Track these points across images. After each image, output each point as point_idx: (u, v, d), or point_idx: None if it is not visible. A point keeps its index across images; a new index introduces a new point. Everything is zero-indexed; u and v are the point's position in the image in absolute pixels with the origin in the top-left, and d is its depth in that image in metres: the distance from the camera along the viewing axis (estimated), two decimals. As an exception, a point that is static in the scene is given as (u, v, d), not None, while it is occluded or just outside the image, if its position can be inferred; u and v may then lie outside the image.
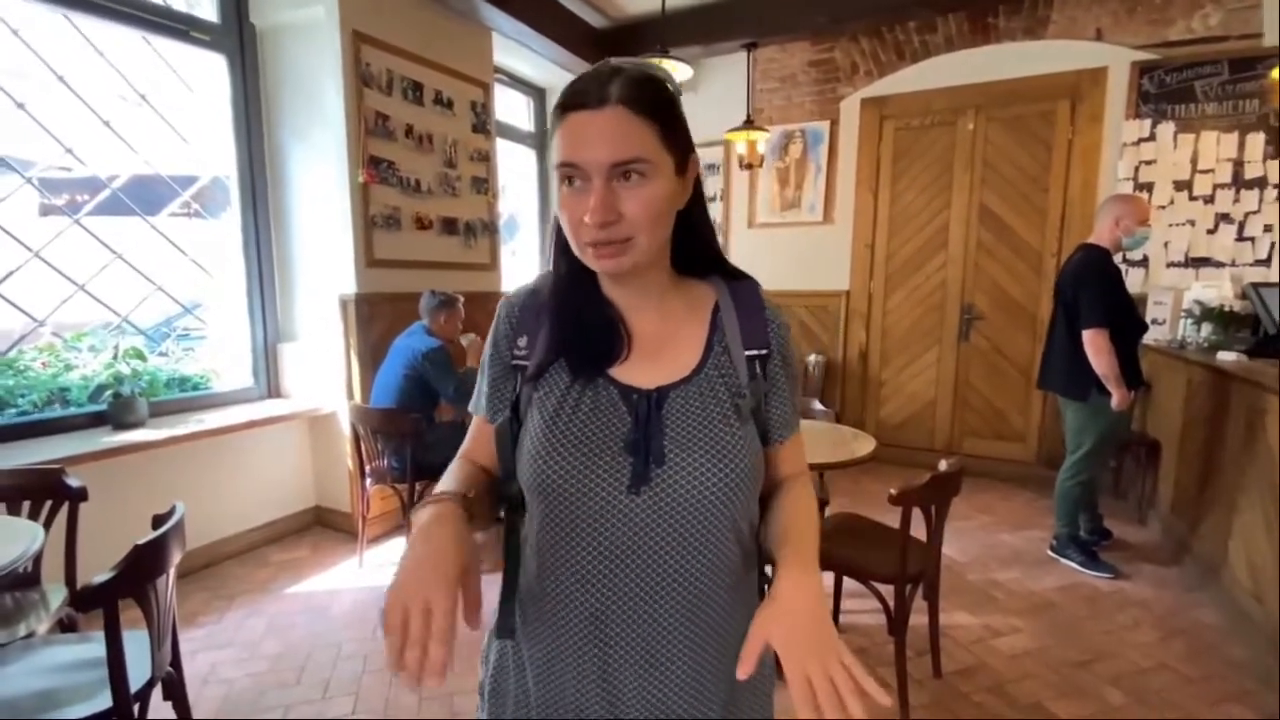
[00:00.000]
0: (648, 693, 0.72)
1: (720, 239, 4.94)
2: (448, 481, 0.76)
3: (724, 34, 4.16)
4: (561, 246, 0.75)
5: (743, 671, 0.58)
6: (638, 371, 0.74)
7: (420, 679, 0.55)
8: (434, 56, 3.45)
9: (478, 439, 0.82)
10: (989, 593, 2.72)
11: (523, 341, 0.77)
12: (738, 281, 0.81)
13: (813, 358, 4.65)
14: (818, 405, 2.78)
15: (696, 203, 0.76)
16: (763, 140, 4.31)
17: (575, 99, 0.66)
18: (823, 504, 2.58)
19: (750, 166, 4.37)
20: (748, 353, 0.76)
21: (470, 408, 0.84)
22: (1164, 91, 3.59)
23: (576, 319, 0.75)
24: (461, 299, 3.10)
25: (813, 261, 4.72)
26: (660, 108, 0.67)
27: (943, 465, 1.93)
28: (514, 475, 0.75)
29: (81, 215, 2.71)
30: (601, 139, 0.64)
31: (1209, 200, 3.56)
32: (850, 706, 0.55)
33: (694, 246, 0.78)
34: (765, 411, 0.78)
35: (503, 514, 0.80)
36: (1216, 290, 3.23)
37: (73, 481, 1.79)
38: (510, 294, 0.82)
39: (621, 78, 0.66)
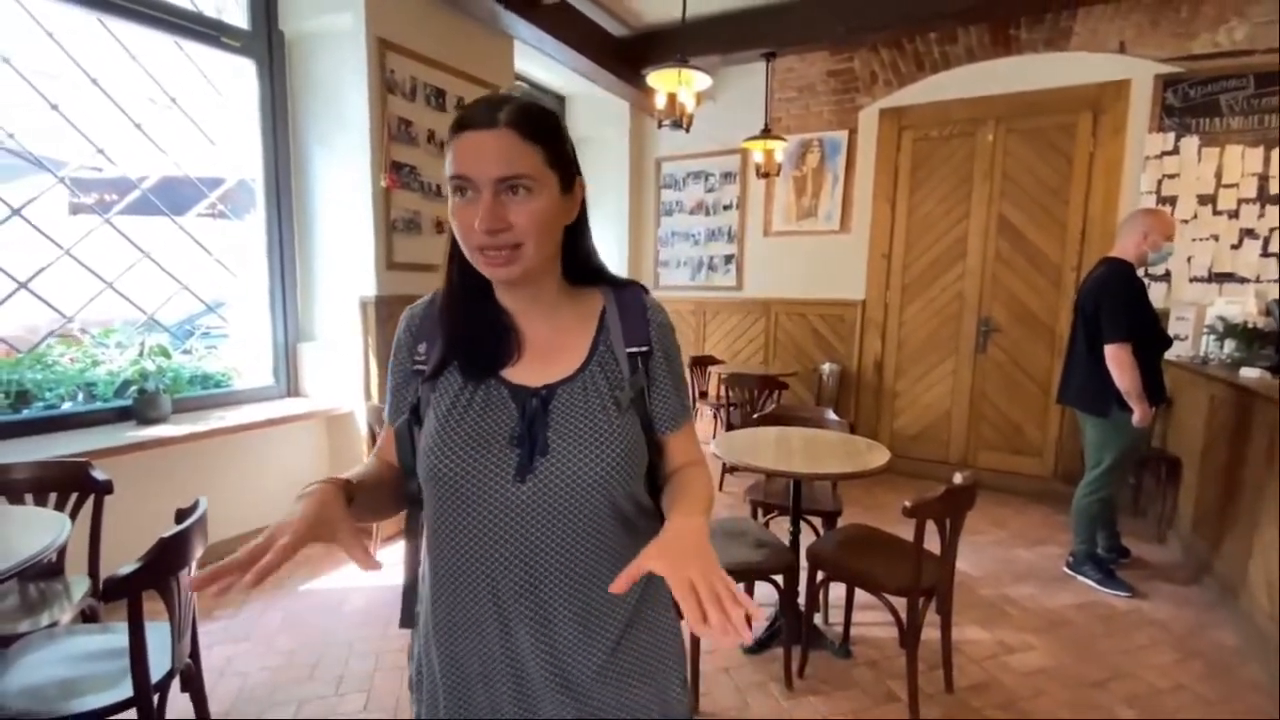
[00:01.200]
0: (542, 656, 0.77)
1: (736, 247, 4.94)
2: (349, 473, 0.81)
3: (743, 44, 4.18)
4: (455, 256, 0.79)
5: (615, 586, 0.62)
6: (529, 372, 0.80)
7: (207, 578, 0.60)
8: (456, 63, 3.50)
9: (385, 441, 0.88)
10: (1003, 608, 2.69)
11: (422, 348, 0.83)
12: (622, 288, 0.87)
13: (827, 367, 4.64)
14: (832, 415, 2.77)
15: (582, 220, 0.82)
16: (780, 149, 4.31)
17: (468, 120, 0.72)
18: (835, 514, 2.57)
19: (767, 175, 4.38)
20: (629, 349, 0.82)
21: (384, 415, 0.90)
22: (1188, 105, 3.55)
23: (468, 324, 0.81)
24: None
25: (828, 270, 4.71)
26: (545, 133, 0.73)
27: (958, 478, 1.92)
28: (413, 473, 0.81)
29: (111, 214, 2.77)
30: (490, 156, 0.70)
31: (1233, 215, 3.51)
32: (730, 610, 0.58)
33: (581, 259, 0.85)
34: (650, 405, 0.84)
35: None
36: (1240, 306, 3.19)
37: (98, 474, 1.83)
38: (411, 306, 0.88)
39: (511, 105, 0.72)
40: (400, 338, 0.86)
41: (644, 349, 0.83)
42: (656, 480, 0.87)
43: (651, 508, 0.85)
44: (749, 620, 0.57)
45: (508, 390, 0.79)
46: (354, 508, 0.75)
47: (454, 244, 0.79)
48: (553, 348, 0.81)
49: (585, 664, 0.78)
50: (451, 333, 0.81)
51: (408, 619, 0.87)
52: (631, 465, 0.78)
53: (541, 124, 0.73)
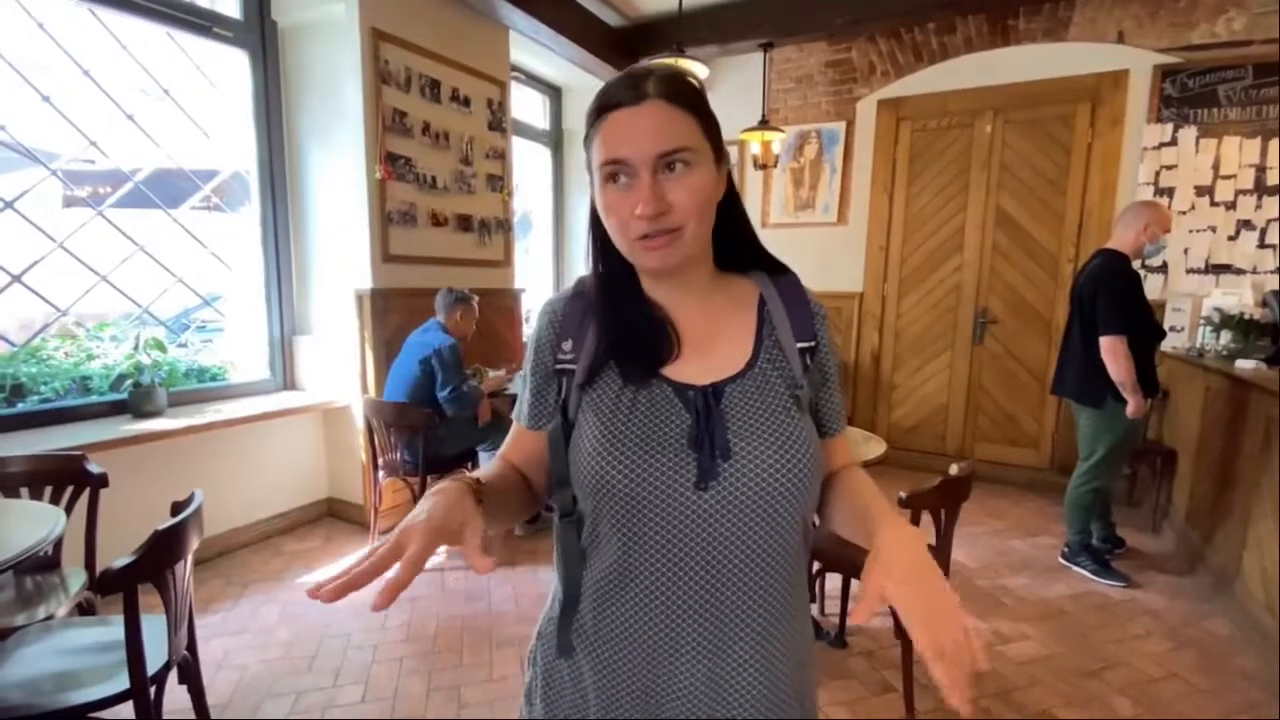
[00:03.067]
0: (719, 690, 0.71)
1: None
2: (479, 473, 0.75)
3: (741, 34, 4.15)
4: (601, 249, 0.75)
5: (859, 616, 0.57)
6: (690, 369, 0.73)
7: (339, 590, 0.55)
8: (452, 54, 3.47)
9: (516, 444, 0.81)
10: (998, 599, 2.70)
11: (567, 345, 0.76)
12: (780, 275, 0.80)
13: (824, 359, 4.63)
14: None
15: (732, 198, 0.76)
16: (778, 140, 4.29)
17: (612, 99, 0.67)
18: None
19: (765, 167, 4.36)
20: (798, 345, 0.75)
21: (513, 415, 0.84)
22: (1186, 96, 3.54)
23: (623, 321, 0.74)
24: (476, 297, 3.13)
25: (826, 263, 4.70)
26: (696, 100, 0.69)
27: (954, 469, 1.92)
28: (566, 481, 0.74)
29: (104, 207, 2.76)
30: (645, 132, 0.65)
31: (1230, 206, 3.51)
32: (962, 685, 0.52)
33: (732, 241, 0.79)
34: (818, 405, 0.78)
35: (556, 524, 0.78)
36: (1236, 297, 3.19)
37: (94, 468, 1.83)
38: (551, 299, 0.81)
39: (655, 75, 0.67)
40: (542, 334, 0.78)
41: (812, 344, 0.76)
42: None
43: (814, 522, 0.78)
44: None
45: (671, 389, 0.71)
46: (486, 506, 0.68)
47: (595, 237, 0.75)
48: (711, 341, 0.74)
49: (755, 698, 0.71)
50: (605, 334, 0.74)
51: (566, 648, 0.76)
52: (819, 473, 0.72)
53: (689, 91, 0.68)
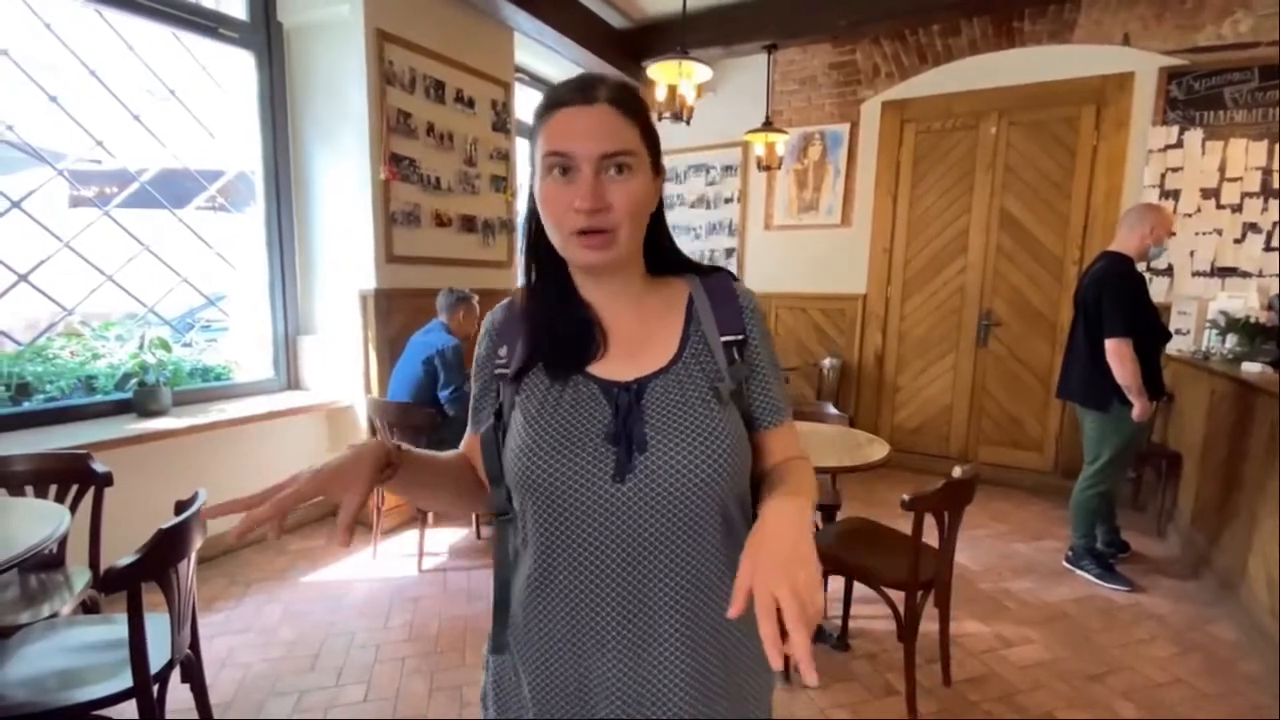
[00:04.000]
0: (645, 686, 0.72)
1: (736, 240, 4.91)
2: (421, 450, 0.80)
3: (745, 36, 4.15)
4: (534, 248, 0.77)
5: (733, 610, 0.56)
6: (617, 367, 0.76)
7: (215, 511, 0.64)
8: (456, 55, 3.48)
9: (467, 445, 0.85)
10: (1001, 602, 2.69)
11: (503, 352, 0.80)
12: (709, 275, 0.83)
13: (828, 361, 4.63)
14: (832, 409, 2.77)
15: (661, 207, 0.80)
16: (781, 142, 4.29)
17: (562, 98, 0.70)
18: (834, 508, 2.57)
19: (768, 168, 4.36)
20: (723, 339, 0.78)
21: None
22: (1192, 98, 3.53)
23: (551, 321, 0.77)
24: (477, 297, 3.13)
25: (829, 264, 4.70)
26: (641, 111, 0.72)
27: (957, 472, 1.92)
28: (501, 481, 0.77)
29: (110, 207, 2.77)
30: (592, 132, 0.68)
31: (1236, 209, 3.49)
32: (794, 637, 0.52)
33: (663, 248, 0.82)
34: (748, 397, 0.79)
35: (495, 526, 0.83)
36: (1242, 301, 3.18)
37: (98, 466, 1.84)
38: (490, 313, 0.85)
39: (607, 83, 0.71)
40: (482, 343, 0.83)
41: (739, 337, 0.78)
42: (756, 482, 0.79)
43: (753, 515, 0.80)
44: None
45: (597, 386, 0.74)
46: (400, 480, 0.74)
47: (531, 239, 0.77)
48: (640, 340, 0.77)
49: (683, 683, 0.72)
50: (534, 331, 0.77)
51: (500, 645, 0.80)
52: (737, 461, 0.73)
53: (637, 103, 0.72)
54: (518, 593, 0.77)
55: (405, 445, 0.75)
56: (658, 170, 0.75)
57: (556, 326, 0.77)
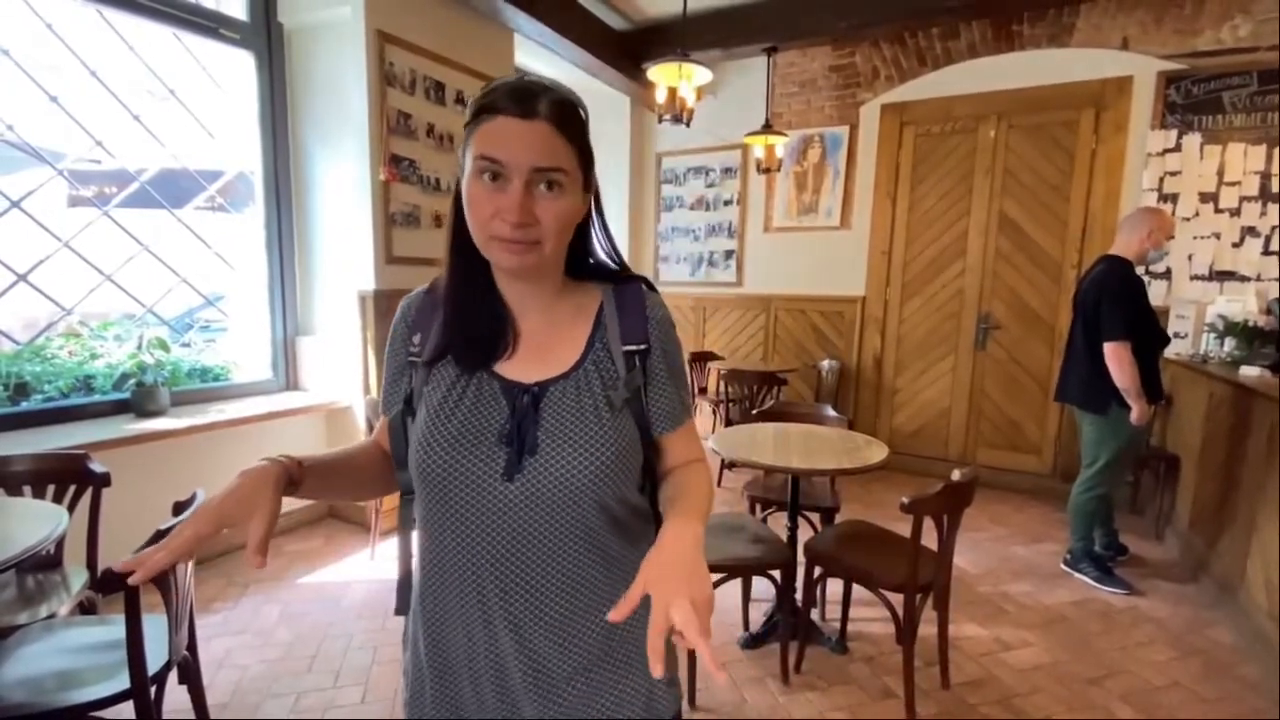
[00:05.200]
0: (521, 656, 0.77)
1: (736, 243, 4.90)
2: (315, 453, 0.81)
3: (745, 38, 4.16)
4: (457, 242, 0.78)
5: (614, 615, 0.60)
6: (522, 368, 0.78)
7: (133, 570, 0.64)
8: (456, 57, 3.48)
9: (380, 429, 0.88)
10: (1000, 605, 2.69)
11: (417, 338, 0.82)
12: (623, 284, 0.84)
13: (826, 363, 4.64)
14: (831, 411, 2.77)
15: (595, 214, 0.81)
16: (781, 144, 4.30)
17: (501, 106, 0.69)
18: (833, 510, 2.57)
19: (768, 170, 4.37)
20: (625, 348, 0.80)
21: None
22: (1191, 102, 3.54)
23: (466, 313, 0.79)
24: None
25: (829, 267, 4.70)
26: (580, 131, 0.73)
27: (956, 475, 1.92)
28: (405, 465, 0.81)
29: (110, 207, 2.77)
30: (528, 145, 0.68)
31: (1235, 213, 3.50)
32: (700, 648, 0.57)
33: (584, 254, 0.83)
34: (646, 404, 0.82)
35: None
36: (1241, 304, 3.18)
37: (96, 467, 1.83)
38: (408, 295, 0.86)
39: (548, 97, 0.70)
40: (396, 327, 0.85)
41: (642, 346, 0.80)
42: (655, 479, 0.85)
43: (646, 508, 0.84)
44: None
45: (499, 385, 0.77)
46: (307, 489, 0.77)
47: (455, 232, 0.77)
48: (547, 344, 0.80)
49: (562, 665, 0.77)
50: (450, 321, 0.79)
51: (403, 606, 0.87)
52: (622, 468, 0.76)
53: (575, 121, 0.72)
54: (417, 567, 0.83)
55: (305, 457, 0.78)
56: (588, 186, 0.77)
57: (471, 321, 0.79)
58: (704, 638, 0.57)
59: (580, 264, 0.83)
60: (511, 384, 0.77)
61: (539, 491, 0.73)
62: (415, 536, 0.85)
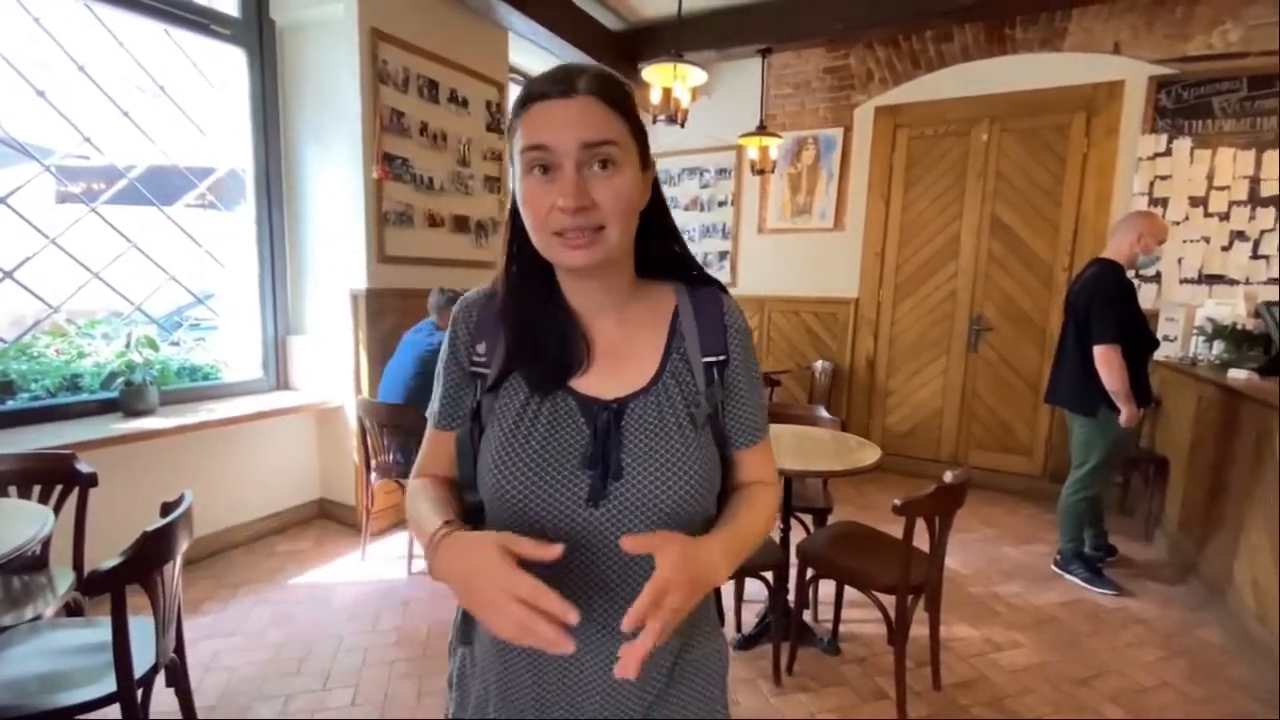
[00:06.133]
0: (605, 686, 0.73)
1: (730, 244, 4.91)
2: (429, 509, 0.72)
3: (739, 39, 4.16)
4: (517, 249, 0.73)
5: (626, 624, 0.58)
6: (598, 381, 0.73)
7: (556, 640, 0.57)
8: (450, 55, 3.47)
9: (436, 450, 0.80)
10: (991, 606, 2.70)
11: (481, 347, 0.75)
12: (699, 287, 0.79)
13: (820, 364, 4.65)
14: (824, 413, 2.77)
15: (658, 205, 0.75)
16: (775, 146, 4.30)
17: (540, 91, 0.65)
18: (826, 512, 2.57)
19: (762, 172, 4.37)
20: (705, 359, 0.75)
21: (427, 413, 0.82)
22: (1181, 107, 3.57)
23: (533, 328, 0.73)
24: (471, 297, 3.12)
25: (822, 268, 4.71)
26: (625, 101, 0.68)
27: (948, 476, 1.92)
28: (474, 485, 0.75)
29: (98, 204, 2.74)
30: (573, 122, 0.64)
31: (1224, 217, 3.53)
32: (645, 638, 0.58)
33: (654, 249, 0.78)
34: (724, 418, 0.77)
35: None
36: (1229, 308, 3.21)
37: (83, 467, 1.81)
38: (466, 296, 0.80)
39: (587, 73, 0.66)
40: (456, 333, 0.77)
41: (721, 358, 0.76)
42: (725, 496, 0.79)
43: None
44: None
45: (576, 403, 0.72)
46: None
47: (512, 239, 0.73)
48: (623, 353, 0.74)
49: (641, 700, 0.74)
50: (515, 339, 0.73)
51: (467, 637, 0.80)
52: (708, 489, 0.73)
53: (620, 91, 0.67)
54: None
55: (448, 517, 0.70)
56: (646, 163, 0.71)
57: (540, 335, 0.73)
58: (653, 636, 0.57)
59: (648, 262, 0.78)
60: (589, 400, 0.72)
61: (625, 518, 0.69)
62: None
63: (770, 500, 0.79)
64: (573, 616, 0.56)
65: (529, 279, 0.74)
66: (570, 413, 0.72)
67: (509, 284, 0.75)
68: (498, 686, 0.77)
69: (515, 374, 0.73)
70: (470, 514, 0.77)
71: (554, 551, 0.60)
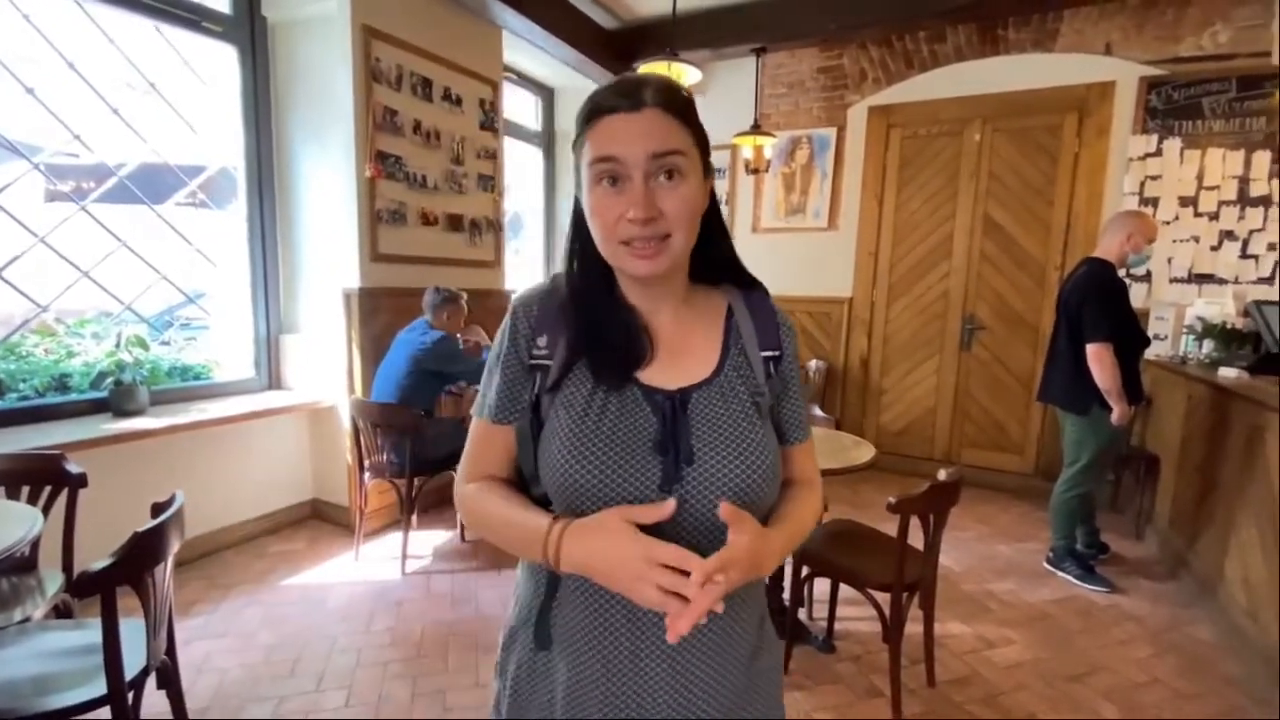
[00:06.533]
0: (676, 691, 0.73)
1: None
2: (521, 509, 0.73)
3: (734, 38, 4.17)
4: (581, 252, 0.76)
5: (695, 577, 0.61)
6: (660, 374, 0.75)
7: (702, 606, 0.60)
8: (444, 53, 3.45)
9: (491, 446, 0.79)
10: (984, 603, 2.72)
11: (543, 341, 0.76)
12: (750, 289, 0.84)
13: (814, 364, 4.66)
14: (818, 411, 2.78)
15: (713, 211, 0.78)
16: (769, 145, 4.31)
17: (608, 104, 0.68)
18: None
19: (756, 171, 4.38)
20: (763, 354, 0.79)
21: (474, 410, 0.82)
22: (1171, 107, 3.59)
23: (600, 322, 0.75)
24: (464, 296, 3.11)
25: (816, 267, 4.72)
26: (689, 111, 0.71)
27: (942, 475, 1.93)
28: (535, 479, 0.75)
29: (88, 202, 2.71)
30: (641, 135, 0.66)
31: (1214, 217, 3.56)
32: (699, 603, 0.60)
33: (708, 254, 0.80)
34: (779, 412, 0.81)
35: None
36: (1219, 307, 3.23)
37: (73, 467, 1.80)
38: (525, 293, 0.80)
39: (652, 85, 0.69)
40: (516, 327, 0.77)
41: (776, 353, 0.79)
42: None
43: None
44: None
45: (641, 393, 0.73)
46: None
47: (574, 240, 0.76)
48: (681, 348, 0.77)
49: (717, 696, 0.74)
50: (581, 334, 0.74)
51: (545, 640, 0.76)
52: (775, 475, 0.74)
53: (685, 103, 0.70)
54: (562, 591, 0.76)
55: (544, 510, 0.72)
56: (708, 171, 0.74)
57: (606, 329, 0.75)
58: (703, 605, 0.59)
59: (704, 262, 0.80)
60: (653, 391, 0.73)
61: (697, 503, 0.69)
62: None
63: (817, 503, 0.83)
64: (719, 576, 0.61)
65: (590, 280, 0.77)
66: (636, 402, 0.73)
67: (572, 283, 0.77)
68: (566, 689, 0.75)
69: (579, 366, 0.74)
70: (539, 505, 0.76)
71: (669, 507, 0.64)
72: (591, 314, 0.75)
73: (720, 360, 0.77)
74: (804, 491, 0.82)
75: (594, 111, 0.69)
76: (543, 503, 0.75)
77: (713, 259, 0.81)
